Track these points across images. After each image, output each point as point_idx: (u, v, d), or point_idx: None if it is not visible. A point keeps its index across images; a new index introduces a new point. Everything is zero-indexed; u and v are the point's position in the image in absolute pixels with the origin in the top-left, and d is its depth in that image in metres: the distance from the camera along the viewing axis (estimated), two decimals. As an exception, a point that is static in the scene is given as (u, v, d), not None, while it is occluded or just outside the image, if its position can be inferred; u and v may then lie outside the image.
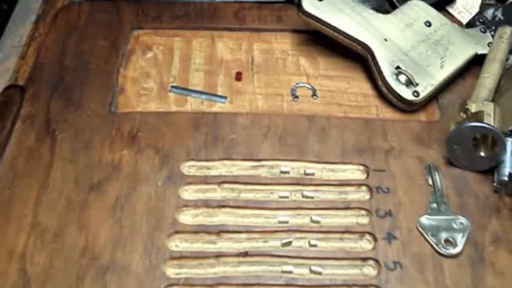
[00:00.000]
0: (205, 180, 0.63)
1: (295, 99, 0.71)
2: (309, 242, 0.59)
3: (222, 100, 0.70)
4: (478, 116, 0.63)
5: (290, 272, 0.56)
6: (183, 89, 0.71)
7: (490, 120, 0.63)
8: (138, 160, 0.63)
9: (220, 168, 0.64)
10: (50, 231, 0.57)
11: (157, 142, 0.65)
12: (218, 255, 0.57)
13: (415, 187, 0.63)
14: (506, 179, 0.61)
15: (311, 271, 0.57)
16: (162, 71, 0.74)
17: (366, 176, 0.64)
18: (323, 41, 0.75)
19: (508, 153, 0.62)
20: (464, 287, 0.56)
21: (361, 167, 0.64)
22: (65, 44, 0.76)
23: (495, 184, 0.62)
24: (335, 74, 0.74)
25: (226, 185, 0.62)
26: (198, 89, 0.72)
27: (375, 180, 0.63)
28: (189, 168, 0.63)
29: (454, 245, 0.58)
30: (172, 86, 0.72)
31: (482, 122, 0.62)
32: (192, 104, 0.70)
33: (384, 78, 0.70)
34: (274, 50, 0.77)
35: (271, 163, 0.64)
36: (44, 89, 0.70)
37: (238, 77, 0.73)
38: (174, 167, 0.63)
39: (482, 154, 0.63)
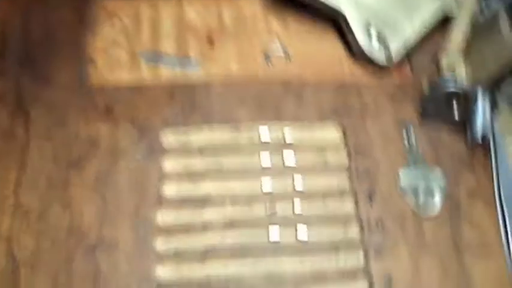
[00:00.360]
0: (186, 150, 0.62)
1: (269, 63, 0.71)
2: (292, 207, 0.60)
3: (195, 67, 0.70)
4: (449, 71, 0.64)
5: (276, 240, 0.58)
6: (155, 57, 0.70)
7: (462, 74, 0.64)
8: (115, 134, 0.63)
9: (200, 137, 0.64)
10: (33, 212, 0.57)
11: (133, 114, 0.64)
12: (205, 226, 0.58)
13: (392, 146, 0.64)
14: (479, 134, 0.63)
15: (297, 237, 0.58)
16: (131, 40, 0.72)
17: (343, 137, 0.65)
18: (294, 2, 0.74)
19: (480, 108, 0.64)
20: (443, 242, 0.58)
21: (338, 128, 0.65)
22: (28, 16, 0.73)
23: (468, 140, 0.64)
24: (307, 35, 0.74)
25: (207, 155, 0.62)
26: (170, 56, 0.70)
27: (353, 140, 0.64)
28: (168, 139, 0.63)
29: (432, 201, 0.60)
30: (143, 55, 0.70)
31: (454, 79, 0.63)
32: (165, 72, 0.69)
33: (356, 38, 0.70)
34: (245, 13, 0.76)
35: (249, 129, 0.64)
36: (11, 65, 0.67)
37: (210, 41, 0.72)
38: (152, 138, 0.63)
39: (455, 110, 0.64)
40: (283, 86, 0.68)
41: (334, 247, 0.57)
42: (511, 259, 0.57)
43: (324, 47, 0.72)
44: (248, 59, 0.71)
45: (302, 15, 0.74)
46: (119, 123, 0.63)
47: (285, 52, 0.72)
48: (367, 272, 0.56)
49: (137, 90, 0.67)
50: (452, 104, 0.64)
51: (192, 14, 0.75)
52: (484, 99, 0.64)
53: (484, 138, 0.63)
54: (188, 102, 0.66)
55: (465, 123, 0.64)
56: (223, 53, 0.71)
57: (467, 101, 0.63)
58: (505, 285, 0.56)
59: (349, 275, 0.56)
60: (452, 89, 0.63)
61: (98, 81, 0.67)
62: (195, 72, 0.69)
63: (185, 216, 0.58)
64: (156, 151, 0.62)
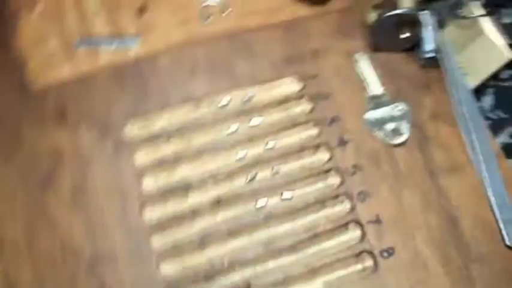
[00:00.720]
0: (152, 138, 0.61)
1: (208, 19, 0.68)
2: (271, 170, 0.61)
3: (135, 42, 0.66)
4: (392, -1, 0.64)
5: (264, 206, 0.59)
6: (90, 40, 0.66)
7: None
8: (77, 138, 0.61)
9: (162, 120, 0.62)
10: (21, 242, 0.56)
11: (89, 112, 0.62)
12: (193, 212, 0.58)
13: (351, 84, 0.65)
14: (431, 55, 0.64)
15: (282, 198, 0.60)
16: (59, 26, 0.67)
17: (302, 85, 0.65)
18: None
19: (429, 27, 0.65)
20: (418, 169, 0.61)
21: (295, 78, 0.65)
22: None
23: (421, 61, 0.65)
24: (238, -21, 0.71)
25: (174, 137, 0.62)
26: (105, 36, 0.67)
27: (312, 88, 0.64)
28: (131, 130, 0.62)
29: (401, 132, 0.62)
30: (76, 42, 0.66)
31: (400, 7, 0.63)
32: (105, 55, 0.66)
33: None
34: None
35: (208, 99, 0.63)
36: None
37: (142, 10, 0.68)
38: (116, 134, 0.61)
39: (404, 35, 0.65)
40: (229, 41, 0.66)
41: (320, 200, 0.59)
42: (481, 170, 0.61)
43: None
44: (186, 19, 0.68)
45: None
46: (77, 126, 0.61)
47: (222, 2, 0.69)
48: (356, 219, 0.59)
49: (82, 82, 0.64)
50: (402, 30, 0.64)
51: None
52: (431, 18, 0.65)
53: (436, 56, 0.65)
54: (140, 87, 0.63)
55: (415, 46, 0.65)
56: (159, 20, 0.68)
57: (415, 23, 0.63)
58: (480, 195, 0.60)
59: (340, 225, 0.59)
60: (401, 15, 0.63)
61: (39, 83, 0.64)
62: (136, 48, 0.66)
63: (172, 207, 0.59)
64: (124, 147, 0.60)
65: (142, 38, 0.67)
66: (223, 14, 0.68)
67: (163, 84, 0.64)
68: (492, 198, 0.60)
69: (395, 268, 0.57)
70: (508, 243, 0.58)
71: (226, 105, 0.63)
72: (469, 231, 0.59)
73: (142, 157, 0.61)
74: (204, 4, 0.69)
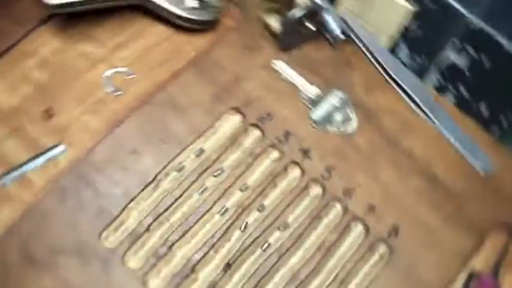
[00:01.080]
0: (132, 236, 0.59)
1: (118, 91, 0.64)
2: (257, 210, 0.61)
3: (60, 149, 0.62)
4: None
5: (269, 246, 0.60)
6: (13, 170, 0.61)
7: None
8: (60, 274, 0.56)
9: (132, 214, 0.60)
10: None
11: (56, 243, 0.57)
12: (212, 286, 0.58)
13: (285, 94, 0.65)
14: (338, 33, 0.66)
15: (280, 229, 0.60)
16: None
17: (242, 116, 0.64)
18: (87, 15, 0.66)
19: (327, 9, 0.66)
20: (380, 144, 0.65)
21: (231, 112, 0.64)
22: None
23: (331, 42, 0.67)
24: (124, 38, 0.67)
25: (153, 225, 0.59)
26: (26, 158, 0.61)
27: (252, 115, 0.64)
28: (108, 240, 0.58)
29: (350, 118, 0.64)
30: (1, 178, 0.60)
31: (299, 5, 0.63)
32: (38, 178, 0.60)
33: (175, 13, 0.65)
34: (47, 56, 0.65)
35: (164, 172, 0.61)
36: None
37: (47, 113, 0.63)
38: (96, 251, 0.57)
39: (310, 26, 0.66)
40: (151, 104, 0.64)
41: (314, 216, 0.61)
42: (430, 117, 0.65)
43: (149, 39, 0.67)
44: (95, 102, 0.64)
45: (104, 19, 0.66)
46: (52, 262, 0.56)
47: (124, 69, 0.66)
48: (353, 216, 0.61)
49: (31, 216, 0.58)
50: (305, 22, 0.65)
51: (3, 92, 0.64)
52: (325, 3, 0.66)
53: (344, 32, 0.66)
54: (91, 192, 0.59)
55: (322, 32, 0.66)
56: (70, 116, 0.63)
57: (315, 13, 0.64)
58: (441, 140, 0.65)
59: (343, 229, 0.61)
60: (302, 13, 0.63)
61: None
62: (65, 155, 0.62)
63: (191, 292, 0.58)
64: (111, 259, 0.57)
65: (64, 142, 0.62)
66: (128, 77, 0.65)
67: (113, 178, 0.60)
68: (450, 138, 0.65)
69: (407, 242, 0.60)
70: (480, 172, 0.63)
71: (183, 169, 0.62)
72: (446, 176, 0.64)
73: (135, 260, 0.58)
74: (105, 75, 0.65)
